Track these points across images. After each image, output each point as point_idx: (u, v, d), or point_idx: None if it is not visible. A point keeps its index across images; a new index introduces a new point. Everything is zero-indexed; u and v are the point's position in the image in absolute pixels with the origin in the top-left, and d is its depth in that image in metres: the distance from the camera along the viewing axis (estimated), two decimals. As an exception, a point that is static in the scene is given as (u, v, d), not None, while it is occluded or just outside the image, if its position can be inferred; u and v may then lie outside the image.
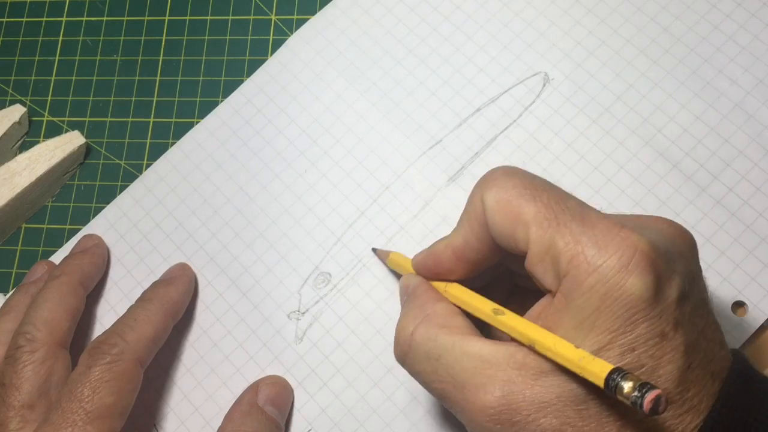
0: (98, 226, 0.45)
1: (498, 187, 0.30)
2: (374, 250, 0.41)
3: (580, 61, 0.42)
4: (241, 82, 0.46)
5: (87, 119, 0.48)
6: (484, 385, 0.27)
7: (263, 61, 0.46)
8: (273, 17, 0.49)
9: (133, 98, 0.48)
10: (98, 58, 0.50)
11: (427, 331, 0.30)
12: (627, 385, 0.23)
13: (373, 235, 0.41)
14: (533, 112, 0.42)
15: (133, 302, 0.40)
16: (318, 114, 0.44)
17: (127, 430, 0.36)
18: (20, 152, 0.48)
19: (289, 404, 0.39)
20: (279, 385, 0.39)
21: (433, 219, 0.41)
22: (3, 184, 0.45)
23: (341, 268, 0.41)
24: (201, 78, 0.48)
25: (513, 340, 0.28)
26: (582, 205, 0.29)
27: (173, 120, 0.47)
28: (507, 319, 0.29)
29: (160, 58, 0.49)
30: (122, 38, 0.50)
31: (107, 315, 0.43)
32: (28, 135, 0.49)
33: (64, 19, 0.51)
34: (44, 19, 0.51)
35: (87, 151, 0.48)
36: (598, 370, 0.24)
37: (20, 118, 0.48)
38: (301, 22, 0.47)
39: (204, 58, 0.48)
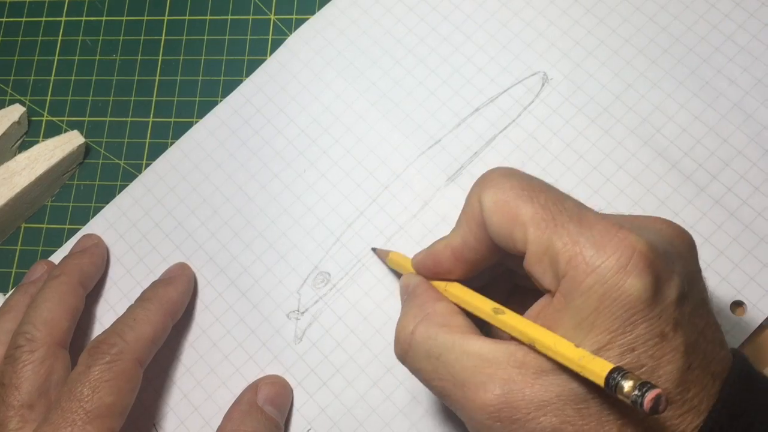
0: (97, 225, 0.45)
1: (495, 187, 0.30)
2: (374, 249, 0.41)
3: (579, 61, 0.43)
4: (240, 81, 0.46)
5: (86, 119, 0.48)
6: (484, 383, 0.27)
7: (262, 61, 0.46)
8: (272, 17, 0.49)
9: (133, 98, 0.48)
10: (97, 57, 0.50)
11: (428, 329, 0.30)
12: (627, 384, 0.23)
13: (373, 234, 0.41)
14: (532, 111, 0.42)
15: (133, 302, 0.40)
16: (317, 114, 0.44)
17: (126, 429, 0.36)
18: (20, 152, 0.48)
19: (289, 404, 0.39)
20: (278, 384, 0.39)
21: (432, 219, 0.41)
22: (2, 184, 0.45)
23: (340, 268, 0.41)
24: (200, 78, 0.48)
25: (513, 339, 0.28)
26: (580, 206, 0.29)
27: (172, 120, 0.47)
28: (507, 318, 0.29)
29: (159, 57, 0.49)
30: (121, 38, 0.50)
31: (107, 315, 0.43)
32: (27, 135, 0.49)
33: (63, 18, 0.51)
34: (43, 18, 0.51)
35: (86, 150, 0.48)
36: (598, 369, 0.24)
37: (19, 118, 0.48)
38: (300, 22, 0.47)
39: (203, 57, 0.48)
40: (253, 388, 0.39)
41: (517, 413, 0.26)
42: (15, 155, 0.47)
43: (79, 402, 0.34)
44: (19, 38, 0.51)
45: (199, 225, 0.43)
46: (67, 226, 0.46)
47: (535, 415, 0.26)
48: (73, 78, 0.50)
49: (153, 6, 0.50)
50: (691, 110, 0.41)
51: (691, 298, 0.27)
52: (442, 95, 0.43)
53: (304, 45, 0.46)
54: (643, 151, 0.40)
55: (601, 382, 0.24)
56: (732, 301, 0.37)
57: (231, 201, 0.44)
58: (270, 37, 0.48)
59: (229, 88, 0.46)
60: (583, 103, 0.42)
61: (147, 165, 0.46)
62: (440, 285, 0.33)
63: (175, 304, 0.40)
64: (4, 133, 0.47)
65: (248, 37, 0.48)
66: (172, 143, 0.46)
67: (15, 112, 0.48)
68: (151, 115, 0.48)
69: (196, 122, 0.46)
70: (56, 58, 0.50)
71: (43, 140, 0.48)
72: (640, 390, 0.23)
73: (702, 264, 0.30)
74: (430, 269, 0.34)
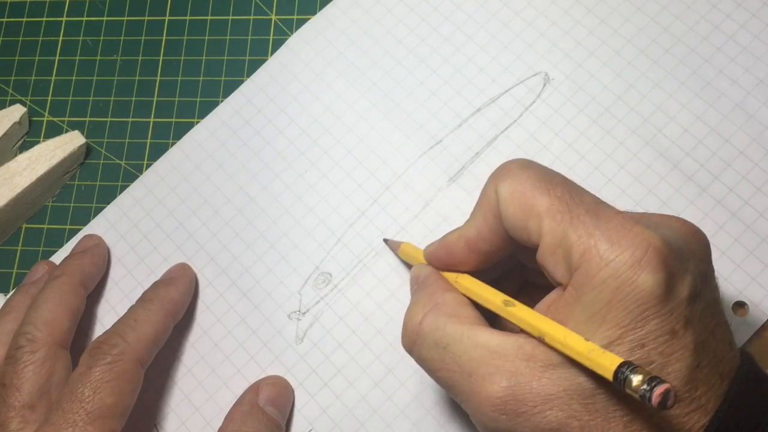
0: (98, 226, 0.45)
1: (512, 178, 0.30)
2: (386, 240, 0.41)
3: (581, 61, 0.42)
4: (241, 82, 0.46)
5: (87, 119, 0.48)
6: (491, 375, 0.27)
7: (263, 61, 0.46)
8: (273, 17, 0.49)
9: (134, 98, 0.48)
10: (98, 58, 0.50)
11: (436, 319, 0.30)
12: (636, 379, 0.23)
13: (374, 235, 0.41)
14: (534, 112, 0.42)
15: (134, 302, 0.40)
16: (318, 114, 0.44)
17: (127, 430, 0.36)
18: (20, 152, 0.47)
19: (290, 404, 0.39)
20: (280, 385, 0.39)
21: (433, 219, 0.41)
22: (3, 184, 0.45)
23: (342, 269, 0.41)
24: (201, 78, 0.48)
25: (522, 332, 0.28)
26: (596, 200, 0.29)
27: (173, 120, 0.47)
28: (517, 311, 0.29)
29: (160, 58, 0.49)
30: (122, 38, 0.50)
31: (108, 315, 0.43)
32: (28, 135, 0.49)
33: (64, 19, 0.51)
34: (44, 19, 0.51)
35: (87, 151, 0.48)
36: (607, 363, 0.24)
37: (20, 118, 0.48)
38: (301, 22, 0.47)
39: (204, 58, 0.48)
40: (255, 388, 0.39)
41: (523, 406, 0.26)
42: (16, 155, 0.47)
43: (80, 403, 0.34)
44: (20, 38, 0.51)
45: (201, 225, 0.43)
46: (68, 227, 0.46)
47: (541, 408, 0.26)
48: (74, 78, 0.50)
49: (154, 6, 0.50)
50: (692, 110, 0.41)
51: (703, 297, 0.27)
52: (444, 95, 0.43)
53: (305, 45, 0.46)
54: (644, 151, 0.40)
55: (609, 376, 0.24)
56: (734, 302, 0.37)
57: (232, 201, 0.44)
58: (271, 38, 0.48)
59: (230, 88, 0.46)
60: (585, 103, 0.42)
61: (148, 165, 0.46)
62: (451, 276, 0.33)
63: (176, 304, 0.40)
64: (5, 134, 0.47)
65: (249, 37, 0.48)
66: (173, 144, 0.46)
67: (16, 112, 0.48)
68: (152, 116, 0.48)
69: (197, 123, 0.46)
70: (57, 58, 0.50)
71: (44, 140, 0.48)
72: (648, 384, 0.23)
73: (704, 264, 0.30)
74: (442, 260, 0.33)
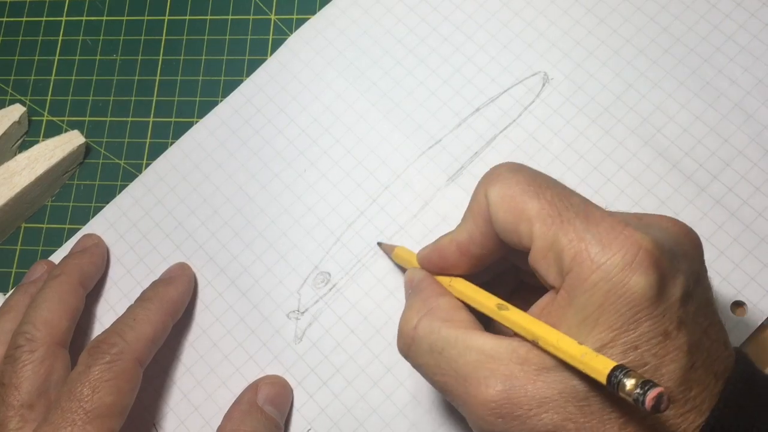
0: (98, 225, 0.45)
1: (502, 182, 0.30)
2: (379, 244, 0.41)
3: (580, 61, 0.42)
4: (241, 81, 0.46)
5: (86, 119, 0.48)
6: (486, 378, 0.27)
7: (263, 61, 0.46)
8: (273, 17, 0.49)
9: (133, 98, 0.48)
10: (98, 57, 0.50)
11: (431, 324, 0.30)
12: (629, 383, 0.23)
13: (373, 234, 0.41)
14: (533, 111, 0.42)
15: (133, 302, 0.40)
16: (318, 114, 0.44)
17: (126, 429, 0.36)
18: (20, 152, 0.48)
19: (289, 404, 0.39)
20: (278, 384, 0.39)
21: (432, 219, 0.41)
22: (2, 184, 0.45)
23: (341, 268, 0.41)
24: (200, 78, 0.48)
25: (516, 335, 0.28)
26: (586, 203, 0.29)
27: (173, 119, 0.47)
28: (511, 315, 0.29)
29: (160, 57, 0.49)
30: (122, 38, 0.50)
31: (107, 314, 0.43)
32: (27, 134, 0.49)
33: (63, 18, 0.51)
34: (44, 18, 0.51)
35: (86, 150, 0.48)
36: (600, 366, 0.24)
37: (20, 118, 0.48)
38: (300, 22, 0.47)
39: (203, 57, 0.48)
40: (254, 388, 0.39)
41: (519, 410, 0.26)
42: (15, 155, 0.47)
43: (79, 402, 0.34)
44: (20, 38, 0.51)
45: (200, 225, 0.43)
46: (67, 226, 0.46)
47: (536, 411, 0.26)
48: (73, 78, 0.50)
49: (153, 6, 0.50)
50: (691, 110, 0.41)
51: (696, 297, 0.27)
52: (443, 95, 0.43)
53: (305, 45, 0.46)
54: (643, 151, 0.40)
55: (603, 379, 0.24)
56: (732, 302, 0.37)
57: (231, 201, 0.44)
58: (270, 37, 0.48)
59: (230, 88, 0.46)
60: (584, 103, 0.42)
61: (147, 165, 0.46)
62: (445, 280, 0.33)
63: (175, 303, 0.40)
64: (4, 133, 0.47)
65: (249, 37, 0.48)
66: (172, 143, 0.46)
67: (15, 111, 0.48)
68: (152, 115, 0.48)
69: (197, 122, 0.46)
70: (57, 57, 0.50)
71: (43, 140, 0.48)
72: (642, 388, 0.23)
73: (703, 264, 0.30)
74: (435, 264, 0.33)
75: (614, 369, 0.24)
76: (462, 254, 0.32)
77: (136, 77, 0.49)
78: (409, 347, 0.31)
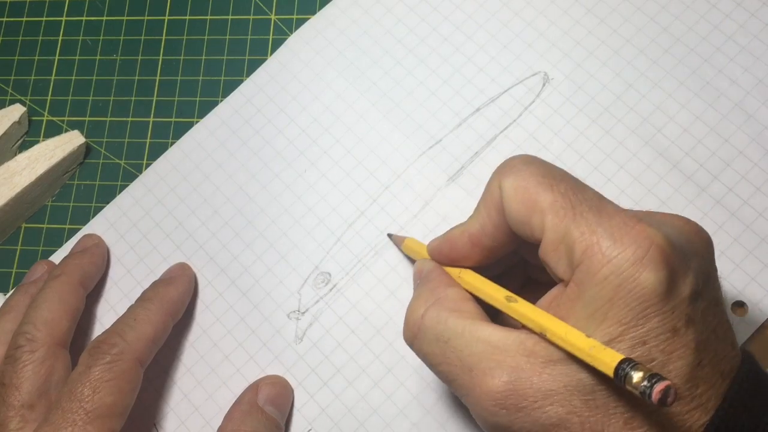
0: (98, 225, 0.45)
1: (516, 174, 0.30)
2: (390, 235, 0.41)
3: (580, 61, 0.42)
4: (241, 81, 0.46)
5: (87, 119, 0.48)
6: (491, 369, 0.27)
7: (263, 61, 0.46)
8: (273, 17, 0.49)
9: (133, 98, 0.48)
10: (98, 57, 0.50)
11: (438, 314, 0.30)
12: (637, 375, 0.23)
13: (373, 234, 0.41)
14: (533, 111, 0.42)
15: (133, 302, 0.40)
16: (318, 114, 0.44)
17: (127, 429, 0.36)
18: (20, 152, 0.48)
19: (289, 404, 0.39)
20: (279, 384, 0.39)
21: (433, 219, 0.41)
22: (3, 184, 0.45)
23: (341, 268, 0.41)
24: (201, 78, 0.48)
25: (524, 327, 0.28)
26: (599, 197, 0.29)
27: (173, 120, 0.47)
28: (519, 307, 0.29)
29: (160, 57, 0.49)
30: (122, 38, 0.50)
31: (107, 315, 0.43)
32: (27, 135, 0.49)
33: (63, 18, 0.51)
34: (44, 18, 0.51)
35: (87, 150, 0.48)
36: (608, 359, 0.24)
37: (20, 118, 0.48)
38: (300, 22, 0.47)
39: (203, 57, 0.48)
40: (254, 388, 0.39)
41: (524, 401, 0.27)
42: (15, 155, 0.47)
43: (80, 402, 0.34)
44: (20, 38, 0.51)
45: (200, 225, 0.43)
46: (67, 226, 0.46)
47: (541, 404, 0.26)
48: (73, 78, 0.50)
49: (153, 6, 0.50)
50: (692, 110, 0.41)
51: (705, 296, 0.27)
52: (443, 95, 0.43)
53: (305, 45, 0.46)
54: (644, 151, 0.40)
55: (610, 372, 0.24)
56: (733, 302, 0.37)
57: (231, 201, 0.44)
58: (270, 37, 0.48)
59: (230, 88, 0.46)
60: (584, 103, 0.42)
61: (147, 165, 0.46)
62: (454, 272, 0.33)
63: (175, 303, 0.40)
64: (4, 133, 0.47)
65: (249, 37, 0.48)
66: (172, 143, 0.46)
67: (15, 111, 0.48)
68: (152, 115, 0.48)
69: (197, 122, 0.46)
70: (57, 57, 0.50)
71: (43, 140, 0.48)
72: (649, 381, 0.23)
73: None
74: (445, 255, 0.33)
75: (622, 362, 0.24)
76: (473, 245, 0.32)
77: (136, 77, 0.49)
78: (415, 336, 0.31)
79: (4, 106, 0.48)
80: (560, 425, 0.26)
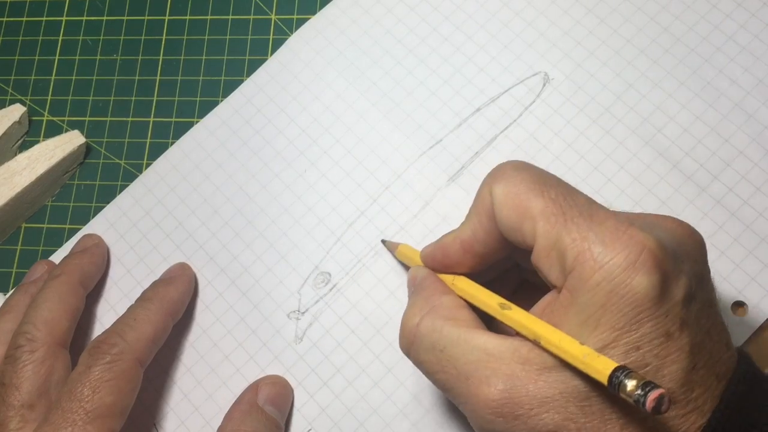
0: (98, 225, 0.45)
1: (507, 180, 0.30)
2: (383, 241, 0.41)
3: (580, 61, 0.42)
4: (241, 81, 0.46)
5: (87, 119, 0.48)
6: (487, 377, 0.27)
7: (263, 61, 0.46)
8: (273, 17, 0.49)
9: (133, 98, 0.48)
10: (98, 57, 0.50)
11: (433, 322, 0.30)
12: (630, 383, 0.23)
13: (373, 234, 0.41)
14: (533, 111, 0.42)
15: (133, 302, 0.40)
16: (318, 114, 0.44)
17: (126, 429, 0.36)
18: (20, 152, 0.48)
19: (289, 404, 0.39)
20: (279, 384, 0.39)
21: (433, 219, 0.41)
22: (3, 184, 0.45)
23: (341, 268, 0.41)
24: (201, 78, 0.48)
25: (518, 334, 0.28)
26: (590, 202, 0.29)
27: (173, 120, 0.47)
28: (513, 314, 0.29)
29: (160, 57, 0.49)
30: (122, 38, 0.50)
31: (107, 314, 0.43)
32: (28, 134, 0.49)
33: (64, 18, 0.51)
34: (44, 18, 0.51)
35: (87, 150, 0.48)
36: (602, 367, 0.24)
37: (20, 118, 0.48)
38: (301, 22, 0.47)
39: (204, 57, 0.48)
40: (254, 388, 0.39)
41: (520, 409, 0.26)
42: (15, 155, 0.47)
43: (80, 402, 0.34)
44: (20, 38, 0.51)
45: (200, 225, 0.43)
46: (67, 226, 0.46)
47: (537, 411, 0.26)
48: (73, 78, 0.50)
49: (154, 6, 0.50)
50: (692, 110, 0.41)
51: (699, 298, 0.27)
52: (443, 95, 0.43)
53: (305, 45, 0.46)
54: (644, 151, 0.40)
55: (604, 380, 0.24)
56: (733, 302, 0.37)
57: (232, 201, 0.44)
58: (271, 37, 0.48)
59: (230, 88, 0.46)
60: (584, 103, 0.42)
61: (147, 165, 0.46)
62: (448, 278, 0.33)
63: (175, 303, 0.40)
64: (4, 133, 0.47)
65: (249, 37, 0.48)
66: (172, 143, 0.46)
67: (16, 111, 0.48)
68: (152, 115, 0.48)
69: (197, 122, 0.46)
70: (57, 57, 0.50)
71: (43, 140, 0.48)
72: (643, 389, 0.23)
73: (704, 264, 0.30)
74: (438, 262, 0.33)
75: (615, 370, 0.24)
76: (465, 252, 0.32)
77: (137, 77, 0.49)
78: (410, 345, 0.31)
79: (4, 106, 0.48)
80: None
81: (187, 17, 0.50)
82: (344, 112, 0.44)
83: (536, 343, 0.27)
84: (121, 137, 0.48)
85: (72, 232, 0.46)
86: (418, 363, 0.31)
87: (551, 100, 0.42)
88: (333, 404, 0.39)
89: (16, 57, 0.51)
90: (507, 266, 0.35)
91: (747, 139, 0.40)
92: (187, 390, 0.41)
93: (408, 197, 0.42)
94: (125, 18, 0.50)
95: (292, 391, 0.39)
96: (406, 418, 0.38)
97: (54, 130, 0.48)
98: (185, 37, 0.49)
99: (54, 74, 0.50)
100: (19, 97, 0.50)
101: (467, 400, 0.28)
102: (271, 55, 0.47)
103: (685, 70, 0.41)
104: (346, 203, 0.42)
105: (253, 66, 0.47)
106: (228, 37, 0.49)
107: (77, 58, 0.50)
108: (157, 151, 0.46)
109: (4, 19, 0.52)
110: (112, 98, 0.49)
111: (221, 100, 0.46)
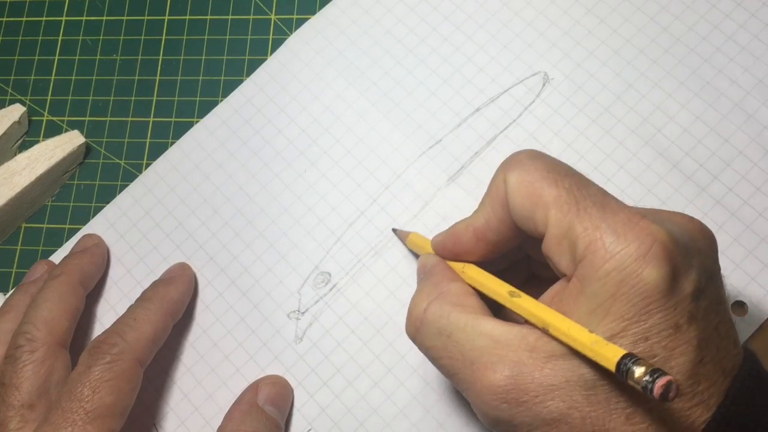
0: (98, 225, 0.45)
1: (521, 168, 0.30)
2: (395, 230, 0.41)
3: (580, 61, 0.42)
4: (241, 81, 0.46)
5: (87, 119, 0.48)
6: (493, 364, 0.27)
7: (263, 61, 0.46)
8: (273, 17, 0.49)
9: (133, 98, 0.48)
10: (98, 57, 0.50)
11: (441, 308, 0.30)
12: (639, 370, 0.23)
13: (373, 234, 0.41)
14: (533, 111, 0.42)
15: (133, 302, 0.40)
16: (318, 114, 0.44)
17: (126, 429, 0.36)
18: (20, 152, 0.48)
19: (289, 404, 0.39)
20: (279, 384, 0.39)
21: (433, 219, 0.41)
22: (3, 184, 0.45)
23: (341, 268, 0.41)
24: (200, 77, 0.48)
25: (526, 322, 0.28)
26: (604, 193, 0.29)
27: (173, 119, 0.47)
28: (522, 302, 0.29)
29: (160, 57, 0.49)
30: (122, 37, 0.50)
31: (107, 314, 0.43)
32: (27, 134, 0.49)
33: (63, 18, 0.51)
34: (44, 18, 0.51)
35: (87, 150, 0.48)
36: (610, 354, 0.24)
37: (20, 118, 0.48)
38: (300, 22, 0.47)
39: (203, 57, 0.48)
40: (254, 388, 0.39)
41: (525, 395, 0.27)
42: (15, 155, 0.47)
43: (80, 402, 0.34)
44: (20, 38, 0.51)
45: (200, 225, 0.43)
46: (67, 226, 0.46)
47: (542, 398, 0.26)
48: (73, 78, 0.50)
49: (153, 6, 0.50)
50: (692, 110, 0.41)
51: (708, 294, 0.27)
52: (443, 95, 0.43)
53: (305, 45, 0.46)
54: (644, 151, 0.40)
55: (612, 367, 0.24)
56: (733, 302, 0.37)
57: (231, 201, 0.44)
58: (270, 37, 0.48)
59: (230, 87, 0.46)
60: (584, 103, 0.42)
61: (147, 165, 0.46)
62: (457, 266, 0.33)
63: (175, 303, 0.40)
64: (4, 133, 0.47)
65: (249, 36, 0.48)
66: (172, 143, 0.46)
67: (15, 111, 0.48)
68: (152, 115, 0.48)
69: (197, 122, 0.46)
70: (57, 57, 0.50)
71: (43, 140, 0.48)
72: (651, 376, 0.23)
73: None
74: (449, 249, 0.34)
75: (624, 357, 0.24)
76: (477, 240, 0.32)
77: (136, 77, 0.49)
78: (417, 330, 0.31)
79: (4, 106, 0.48)
80: (561, 420, 0.26)
81: (187, 17, 0.50)
82: (344, 112, 0.44)
83: (545, 331, 0.27)
84: (120, 137, 0.48)
85: (72, 232, 0.46)
86: (425, 349, 0.31)
87: (551, 100, 0.42)
88: (333, 404, 0.39)
89: (16, 57, 0.51)
90: (517, 257, 0.35)
91: (747, 139, 0.40)
92: (187, 390, 0.41)
93: (408, 197, 0.42)
94: (125, 18, 0.50)
95: (292, 391, 0.39)
96: (406, 418, 0.38)
97: (54, 130, 0.48)
98: (185, 37, 0.49)
99: (54, 74, 0.50)
100: (19, 97, 0.50)
101: (472, 386, 0.28)
102: (271, 55, 0.47)
103: (684, 70, 0.41)
104: (346, 203, 0.42)
105: (253, 66, 0.47)
106: (228, 37, 0.49)
107: (77, 58, 0.50)
108: (157, 151, 0.46)
109: (4, 19, 0.52)
110: (112, 98, 0.49)
111: (221, 100, 0.46)
